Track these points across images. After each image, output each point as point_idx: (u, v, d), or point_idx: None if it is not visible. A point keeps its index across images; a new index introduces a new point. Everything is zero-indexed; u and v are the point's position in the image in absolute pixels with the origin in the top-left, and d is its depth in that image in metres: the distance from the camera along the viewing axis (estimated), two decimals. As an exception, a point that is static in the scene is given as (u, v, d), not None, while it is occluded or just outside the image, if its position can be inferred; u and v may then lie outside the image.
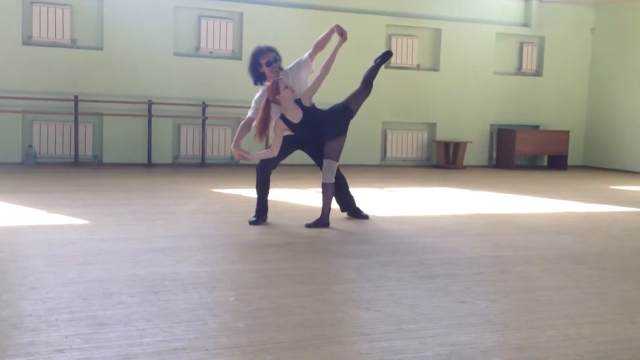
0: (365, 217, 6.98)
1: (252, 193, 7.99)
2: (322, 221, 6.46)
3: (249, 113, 6.52)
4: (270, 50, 6.51)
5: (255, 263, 5.00)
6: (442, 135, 14.53)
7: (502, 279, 4.74)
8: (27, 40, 11.59)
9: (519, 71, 15.28)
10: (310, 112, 6.32)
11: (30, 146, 11.41)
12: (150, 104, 11.99)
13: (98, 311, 3.59)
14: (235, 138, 6.51)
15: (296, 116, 6.26)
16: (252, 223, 6.47)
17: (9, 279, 4.23)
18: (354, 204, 7.04)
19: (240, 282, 4.36)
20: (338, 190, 6.75)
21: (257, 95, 6.55)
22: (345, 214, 7.02)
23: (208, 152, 12.67)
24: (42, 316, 3.47)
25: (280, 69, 6.54)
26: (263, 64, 6.45)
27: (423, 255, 5.36)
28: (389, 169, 13.59)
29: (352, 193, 7.03)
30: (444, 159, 14.20)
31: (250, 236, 6.00)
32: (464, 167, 14.14)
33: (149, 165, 12.03)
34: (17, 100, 11.30)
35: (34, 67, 11.46)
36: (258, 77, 6.54)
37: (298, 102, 6.28)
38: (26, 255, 4.85)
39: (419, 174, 12.75)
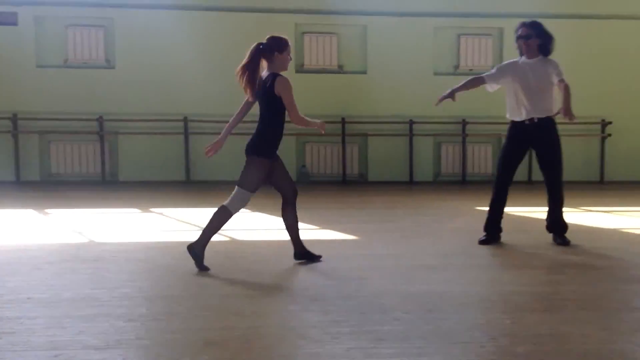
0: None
1: (518, 211, 7.74)
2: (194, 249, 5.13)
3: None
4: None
5: (530, 285, 4.77)
6: None
7: None
8: (300, 69, 12.50)
9: None
10: None
11: (304, 166, 12.24)
12: (411, 123, 12.23)
13: (375, 326, 3.68)
14: None
15: None
16: (482, 242, 6.23)
17: (293, 291, 4.53)
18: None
19: (515, 305, 4.19)
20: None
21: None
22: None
23: (468, 170, 12.55)
24: (325, 327, 3.66)
25: None
26: None
27: None
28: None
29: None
30: None
31: (521, 257, 5.76)
32: None
33: (410, 183, 12.25)
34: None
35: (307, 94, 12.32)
36: None
37: None
38: (305, 268, 5.17)
39: None
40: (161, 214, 8.10)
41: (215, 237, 6.41)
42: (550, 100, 6.12)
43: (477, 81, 6.34)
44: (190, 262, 5.28)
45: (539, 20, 6.23)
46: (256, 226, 7.19)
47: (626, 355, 3.28)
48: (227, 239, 6.42)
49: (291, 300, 4.27)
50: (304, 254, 5.36)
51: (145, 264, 5.31)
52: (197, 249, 5.11)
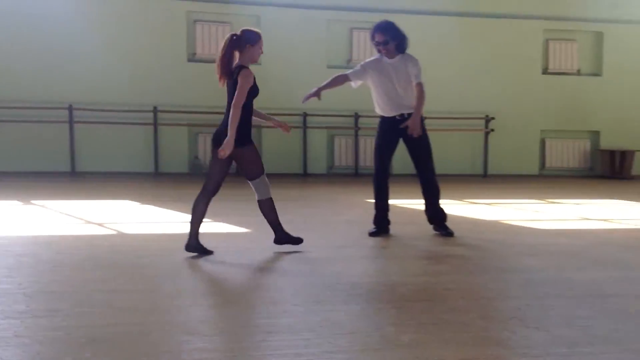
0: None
1: (408, 203, 7.97)
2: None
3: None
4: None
5: (415, 276, 4.93)
6: (607, 143, 13.71)
7: (686, 301, 4.34)
8: (191, 57, 12.29)
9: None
10: None
11: (197, 157, 12.05)
12: (304, 116, 12.30)
13: (264, 319, 3.68)
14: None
15: None
16: (372, 234, 6.39)
17: (182, 285, 4.46)
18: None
19: (400, 295, 4.31)
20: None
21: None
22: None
23: (361, 162, 12.79)
24: (213, 322, 3.62)
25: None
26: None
27: (594, 273, 5.04)
28: (548, 179, 13.01)
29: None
30: (609, 169, 13.36)
31: (408, 248, 5.94)
32: (632, 177, 13.22)
33: (304, 175, 12.33)
34: (183, 115, 11.99)
35: (199, 83, 12.12)
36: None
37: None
38: (195, 262, 5.10)
39: (582, 184, 12.07)
40: (43, 206, 7.75)
41: (101, 231, 6.22)
42: (414, 96, 6.29)
43: (341, 78, 6.47)
44: (74, 257, 5.09)
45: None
46: (144, 219, 7.02)
47: (502, 342, 3.45)
48: (114, 232, 6.23)
49: (179, 295, 4.20)
50: (198, 247, 5.28)
51: (25, 258, 5.06)
52: (283, 240, 5.46)
